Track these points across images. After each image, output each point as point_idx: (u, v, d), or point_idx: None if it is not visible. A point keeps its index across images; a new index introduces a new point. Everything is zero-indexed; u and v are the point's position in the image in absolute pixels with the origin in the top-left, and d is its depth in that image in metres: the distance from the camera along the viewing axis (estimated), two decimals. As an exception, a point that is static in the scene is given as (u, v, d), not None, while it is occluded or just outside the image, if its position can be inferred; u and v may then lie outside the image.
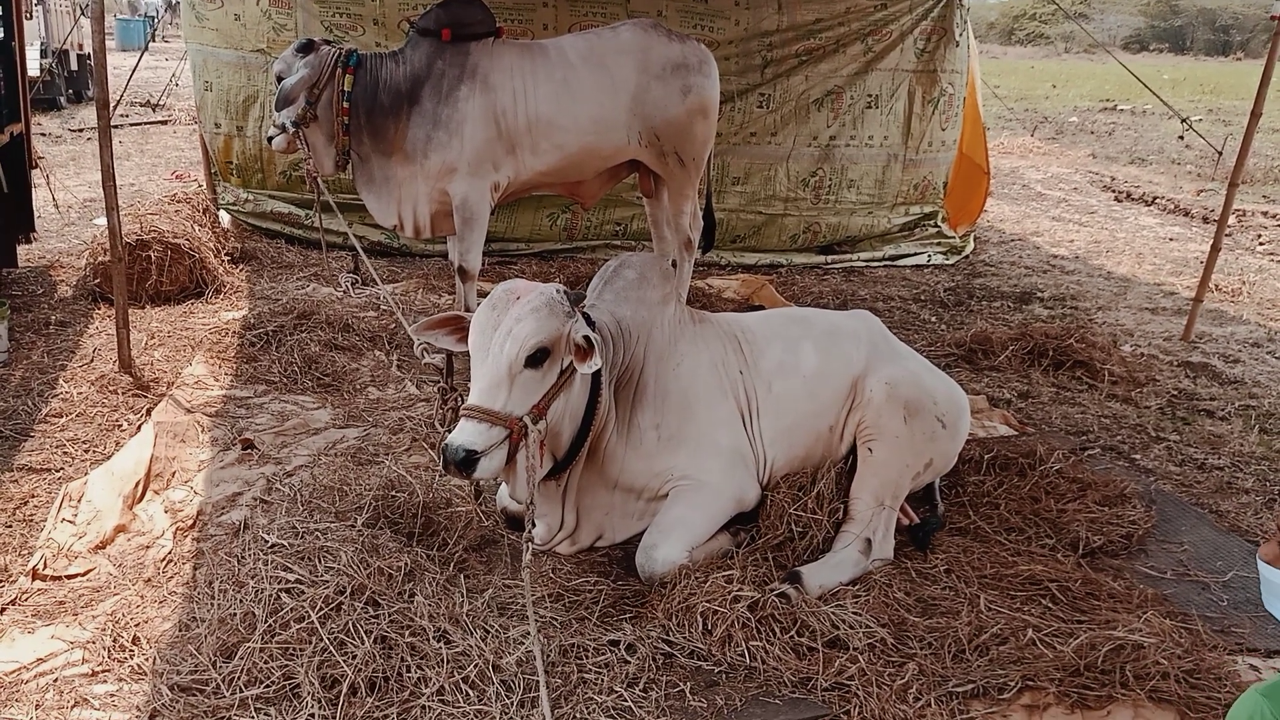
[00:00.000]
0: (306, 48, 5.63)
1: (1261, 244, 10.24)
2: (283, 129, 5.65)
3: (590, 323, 3.52)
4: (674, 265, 6.80)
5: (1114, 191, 13.12)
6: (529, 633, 3.07)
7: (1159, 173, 14.50)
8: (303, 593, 3.02)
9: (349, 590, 3.04)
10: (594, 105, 6.04)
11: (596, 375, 3.54)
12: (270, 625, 2.91)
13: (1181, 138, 14.96)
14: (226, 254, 7.49)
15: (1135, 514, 4.12)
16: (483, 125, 5.80)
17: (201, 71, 8.29)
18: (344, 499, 3.73)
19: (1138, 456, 4.96)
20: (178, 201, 7.57)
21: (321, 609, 2.96)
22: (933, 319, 7.27)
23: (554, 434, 3.42)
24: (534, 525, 3.73)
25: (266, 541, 3.28)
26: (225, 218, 8.35)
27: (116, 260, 5.40)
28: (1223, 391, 6.02)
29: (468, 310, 6.09)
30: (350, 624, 2.94)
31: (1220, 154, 13.77)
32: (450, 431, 3.20)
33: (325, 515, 3.59)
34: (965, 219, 10.25)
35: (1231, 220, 11.26)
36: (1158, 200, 12.38)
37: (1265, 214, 11.32)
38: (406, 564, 3.28)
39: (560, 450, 3.52)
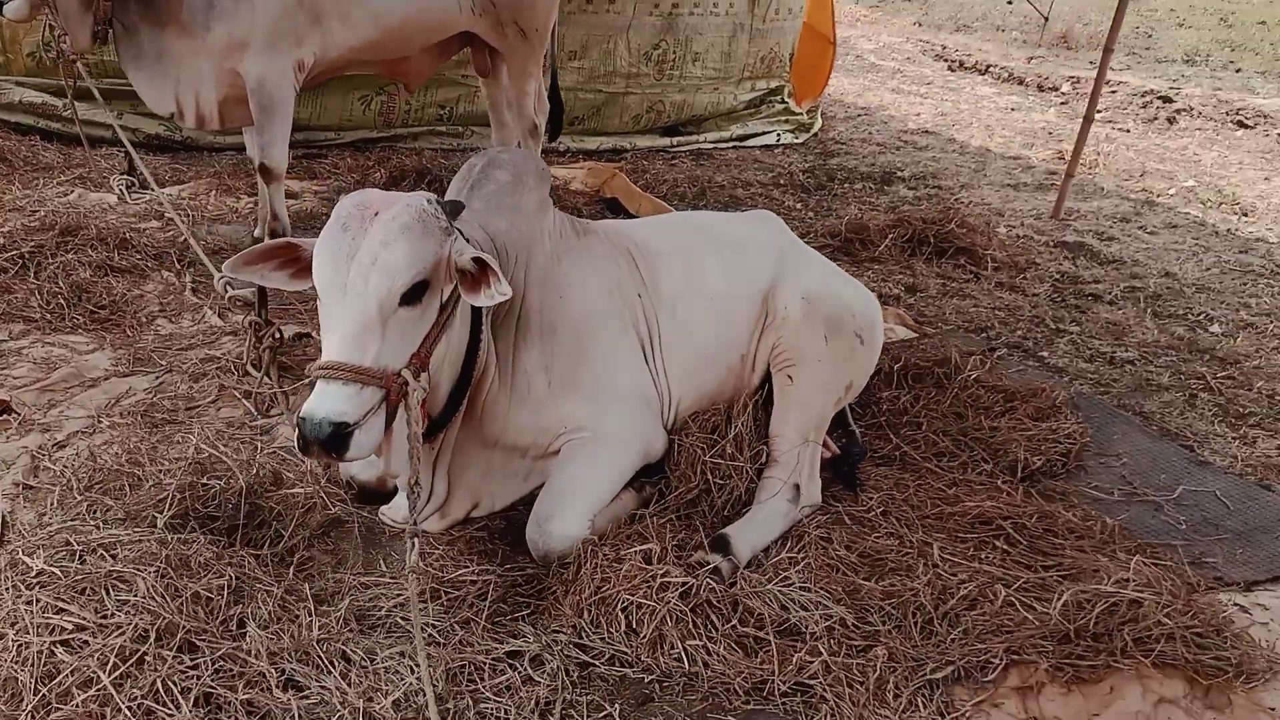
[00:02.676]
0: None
1: (1100, 112, 10.12)
2: (20, -8, 4.45)
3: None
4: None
5: (947, 61, 12.84)
6: (405, 655, 2.36)
7: (985, 40, 14.31)
8: (87, 644, 2.18)
9: (154, 633, 2.23)
10: (415, -35, 5.05)
11: (476, 310, 2.78)
12: (43, 698, 2.08)
13: (1010, 2, 14.78)
14: (-34, 156, 6.12)
15: (1069, 427, 3.71)
16: (278, -12, 4.73)
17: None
18: (137, 489, 2.85)
19: (1045, 354, 4.58)
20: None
21: (116, 666, 2.14)
22: (798, 205, 6.72)
23: (432, 386, 2.64)
24: (417, 508, 2.99)
25: (30, 569, 2.39)
26: (-39, 110, 6.87)
27: None
28: (1105, 273, 5.73)
29: (274, 218, 5.12)
30: (159, 682, 2.14)
31: (1047, 20, 13.69)
32: (303, 399, 2.41)
33: (112, 515, 2.72)
34: (810, 93, 9.70)
35: (1066, 88, 11.17)
36: (991, 69, 12.17)
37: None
38: (230, 579, 2.47)
39: (437, 406, 2.77)
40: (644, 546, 2.78)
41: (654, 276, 3.36)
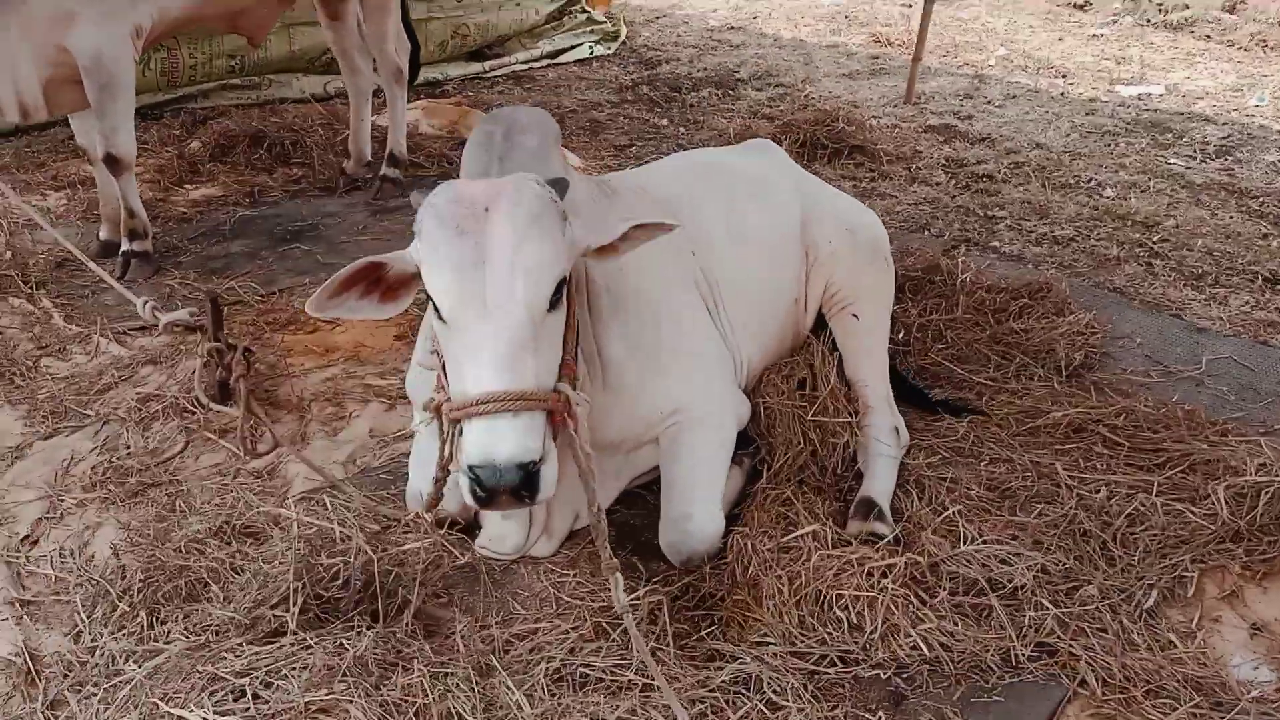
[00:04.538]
0: None
1: (874, -11, 10.36)
2: None
3: None
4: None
5: (705, -49, 12.70)
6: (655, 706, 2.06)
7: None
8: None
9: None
10: (255, -103, 4.31)
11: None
12: None
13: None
14: None
15: (1085, 318, 3.75)
16: (102, -59, 3.91)
17: None
18: (202, 585, 2.30)
19: (996, 244, 4.63)
20: None
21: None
22: (663, 122, 6.45)
23: None
24: (532, 536, 2.62)
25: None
26: None
27: None
28: (982, 152, 5.87)
29: (130, 215, 4.29)
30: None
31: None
32: (449, 440, 2.12)
33: (206, 625, 2.18)
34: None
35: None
36: (756, -46, 12.15)
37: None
38: (421, 674, 2.04)
39: None
40: (808, 529, 2.55)
41: (699, 229, 3.05)
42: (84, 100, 4.14)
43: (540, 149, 2.67)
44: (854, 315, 3.16)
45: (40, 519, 2.83)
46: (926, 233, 4.72)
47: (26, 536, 2.76)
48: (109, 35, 4.00)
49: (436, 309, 2.20)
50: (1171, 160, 5.65)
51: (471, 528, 2.69)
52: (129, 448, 3.14)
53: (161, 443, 3.18)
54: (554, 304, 2.18)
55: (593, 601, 2.50)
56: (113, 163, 4.20)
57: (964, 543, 2.57)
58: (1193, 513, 2.71)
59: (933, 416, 3.28)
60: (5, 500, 2.91)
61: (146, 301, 3.43)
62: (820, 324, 3.26)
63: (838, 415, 2.95)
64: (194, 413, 3.30)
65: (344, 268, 2.23)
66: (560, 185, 2.33)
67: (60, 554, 2.66)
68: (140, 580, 2.40)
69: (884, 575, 2.41)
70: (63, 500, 2.90)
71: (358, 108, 5.37)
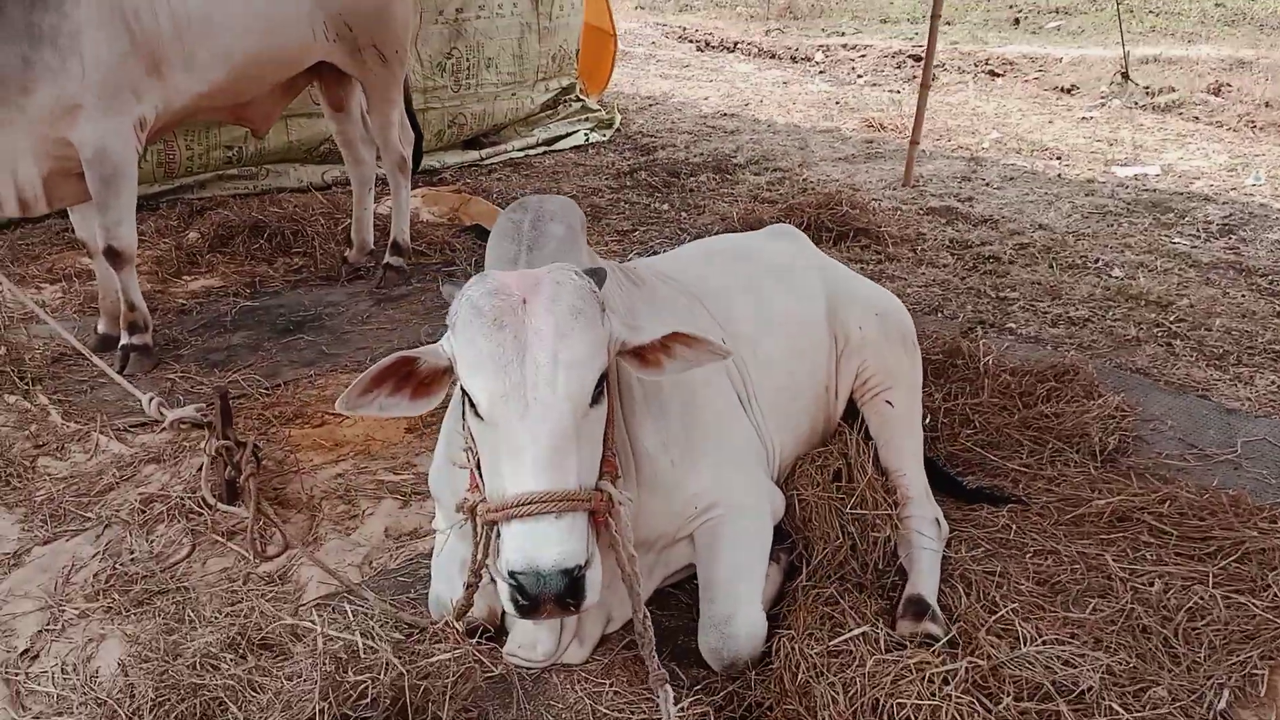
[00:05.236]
0: None
1: (860, 76, 10.53)
2: None
3: None
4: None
5: (692, 42, 12.93)
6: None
7: (712, 18, 14.59)
8: None
9: None
10: (262, -9, 4.31)
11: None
12: None
13: (732, -22, 15.10)
14: None
15: (1115, 400, 3.67)
16: (108, 35, 3.90)
17: None
18: (220, 703, 2.14)
19: (1012, 325, 4.57)
20: None
21: None
22: (664, 207, 6.43)
23: None
24: (563, 643, 2.49)
25: None
26: None
27: None
28: (986, 233, 5.85)
29: (131, 308, 4.16)
30: None
31: (771, -7, 14.10)
32: (483, 542, 2.05)
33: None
34: (595, 86, 9.44)
35: (820, 57, 11.52)
36: (739, 45, 12.36)
37: (845, 46, 11.68)
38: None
39: None
40: (858, 631, 2.42)
41: (727, 316, 2.97)
42: (84, 193, 4.07)
43: (568, 237, 2.60)
44: (887, 402, 3.07)
45: (40, 631, 2.68)
46: (940, 315, 4.66)
47: (26, 651, 2.60)
48: (113, 128, 3.95)
49: (472, 405, 2.10)
50: (1176, 240, 5.65)
51: (499, 633, 2.55)
52: (133, 552, 3.00)
53: (167, 546, 3.04)
54: (595, 399, 2.09)
55: (633, 714, 2.35)
56: (114, 256, 4.12)
57: (1024, 643, 2.43)
58: (1255, 605, 2.59)
59: (969, 505, 3.17)
60: (3, 612, 2.75)
61: (152, 397, 3.30)
62: (850, 411, 3.16)
63: (877, 508, 2.84)
64: (200, 514, 3.16)
65: (374, 364, 2.13)
66: (598, 275, 2.26)
67: (63, 670, 2.50)
68: (151, 700, 2.24)
69: (945, 681, 2.27)
70: (64, 610, 2.75)
71: (360, 197, 5.32)
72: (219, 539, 3.06)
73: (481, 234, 5.84)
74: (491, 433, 2.06)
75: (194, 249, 5.49)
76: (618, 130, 8.67)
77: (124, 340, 4.22)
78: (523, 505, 1.96)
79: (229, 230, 5.60)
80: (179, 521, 3.13)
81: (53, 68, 3.76)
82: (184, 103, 4.23)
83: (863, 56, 11.14)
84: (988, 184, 6.75)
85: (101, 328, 4.44)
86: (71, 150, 3.93)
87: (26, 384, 4.03)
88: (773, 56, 11.77)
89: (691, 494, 2.63)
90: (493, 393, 2.02)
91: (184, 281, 5.20)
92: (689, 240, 5.72)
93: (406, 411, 2.18)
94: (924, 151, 7.51)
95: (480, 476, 2.17)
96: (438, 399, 2.23)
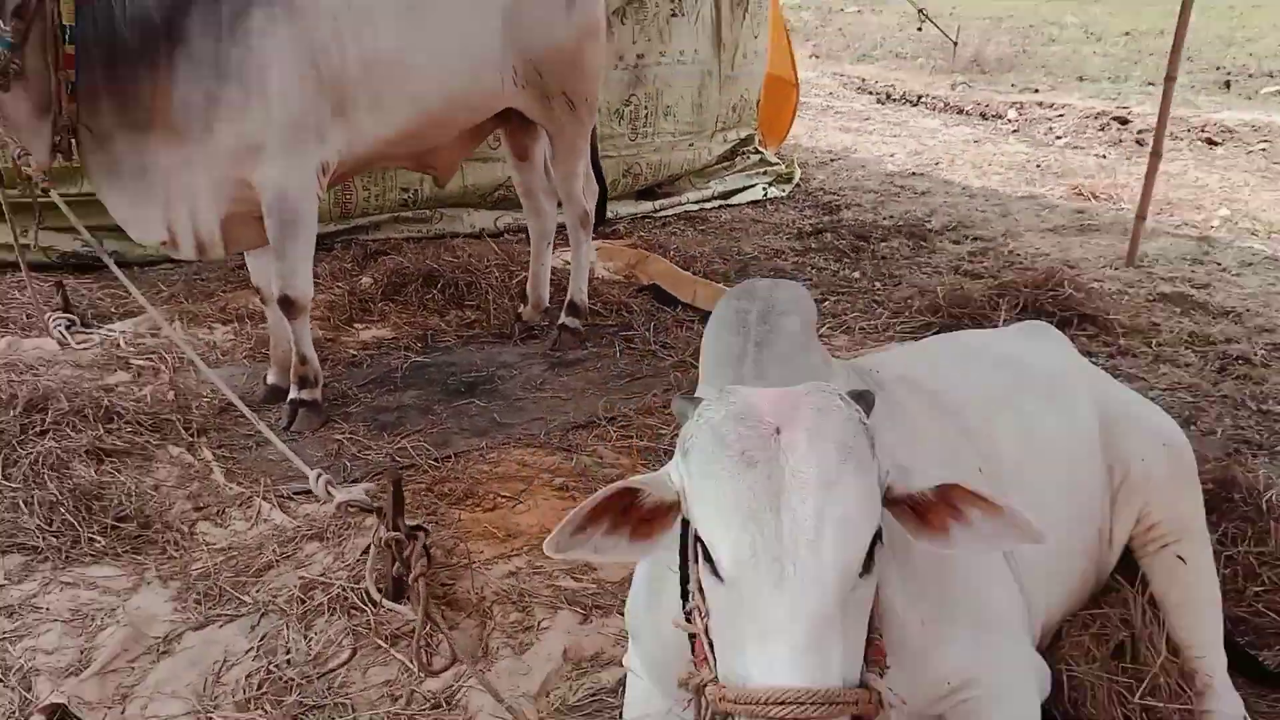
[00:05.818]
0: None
1: (1059, 137, 9.83)
2: (-45, 96, 3.27)
3: None
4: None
5: (872, 94, 12.43)
6: None
7: (891, 69, 14.05)
8: None
9: None
10: (457, 32, 4.07)
11: None
12: None
13: (920, 29, 14.48)
14: None
15: None
16: (296, 72, 3.69)
17: None
18: None
19: (1283, 446, 3.91)
20: None
21: None
22: (856, 274, 5.94)
23: None
24: None
25: None
26: None
27: None
28: (1229, 327, 5.15)
29: (302, 361, 3.90)
30: None
31: (956, 44, 13.48)
32: None
33: None
34: (774, 138, 9.04)
35: (1012, 114, 10.85)
36: (923, 99, 11.80)
37: (1040, 104, 10.99)
38: None
39: None
40: None
41: (989, 440, 2.47)
42: (261, 238, 3.88)
43: (803, 334, 2.14)
44: (1179, 557, 2.51)
45: (181, 747, 2.37)
46: (1193, 428, 4.03)
47: (168, 770, 2.30)
48: (295, 171, 3.74)
49: (708, 557, 1.66)
50: None
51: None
52: (289, 652, 2.69)
53: (326, 647, 2.72)
54: (867, 565, 1.62)
55: None
56: (288, 305, 3.90)
57: None
58: None
59: (1267, 689, 2.57)
60: (148, 712, 2.46)
61: (320, 474, 3.02)
62: (1124, 562, 2.61)
63: (1172, 697, 2.29)
64: (363, 610, 2.83)
65: (590, 498, 1.70)
66: (865, 400, 1.79)
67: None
68: None
69: None
70: (212, 718, 2.44)
71: (539, 251, 5.03)
72: (382, 644, 2.71)
73: (660, 295, 5.48)
74: (732, 599, 1.61)
75: (367, 295, 5.29)
76: (797, 185, 8.23)
77: (293, 394, 3.99)
78: (772, 704, 1.51)
79: (403, 277, 5.39)
80: (340, 618, 2.81)
81: (237, 105, 3.58)
82: (368, 148, 4.00)
83: (1060, 116, 10.43)
84: (1224, 269, 6.03)
85: (271, 378, 4.23)
86: (251, 193, 3.74)
87: (192, 435, 3.83)
88: (960, 112, 11.15)
89: (945, 665, 2.13)
90: (738, 550, 1.57)
91: (355, 330, 4.99)
92: (885, 315, 5.25)
93: (624, 557, 1.77)
94: (1146, 227, 6.82)
95: (711, 649, 1.73)
96: (662, 543, 1.80)
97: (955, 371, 2.65)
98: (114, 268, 3.65)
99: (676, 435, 3.74)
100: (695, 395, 1.77)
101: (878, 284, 5.77)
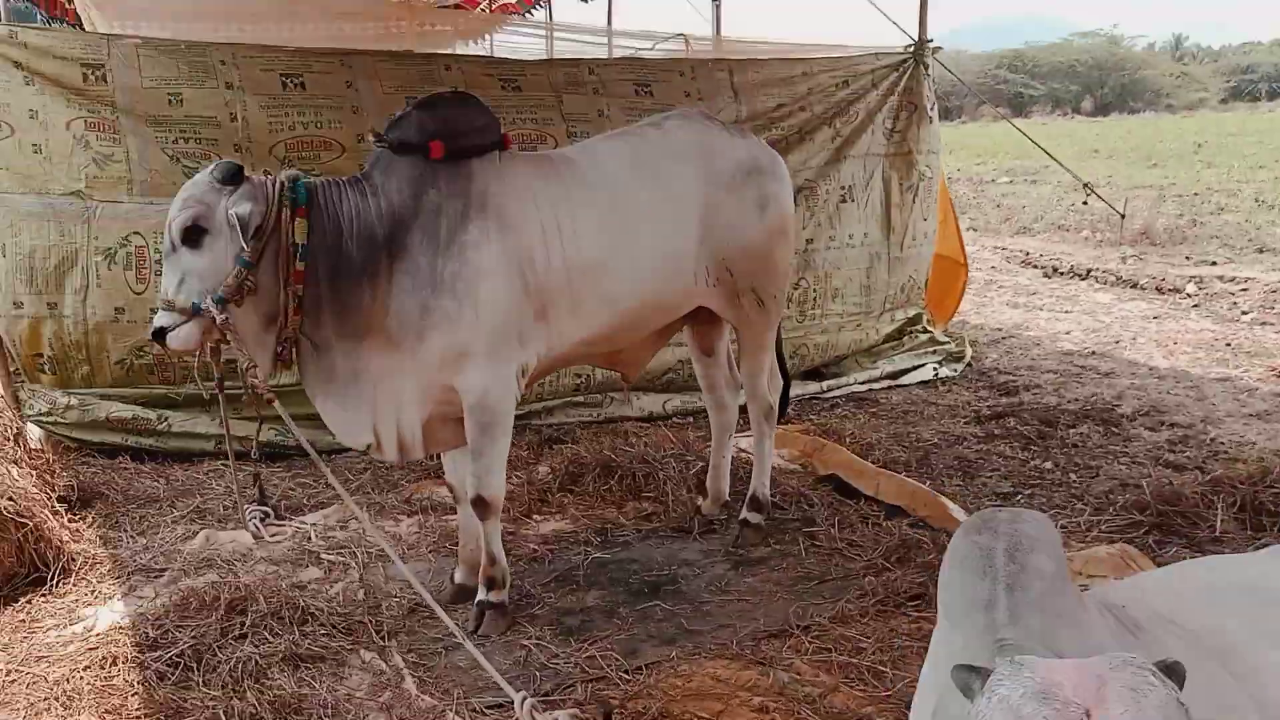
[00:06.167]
0: (234, 174, 3.50)
1: (1245, 313, 9.37)
2: (194, 312, 3.47)
3: None
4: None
5: (1038, 267, 12.20)
6: None
7: (1053, 242, 13.82)
8: None
9: None
10: (656, 236, 4.15)
11: None
12: None
13: (1085, 202, 14.27)
14: (58, 497, 4.94)
15: None
16: (505, 281, 3.80)
17: (-14, 229, 5.74)
18: None
19: None
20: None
21: None
22: (1047, 465, 5.66)
23: None
24: None
25: None
26: (34, 433, 5.73)
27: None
28: None
29: (491, 562, 3.87)
30: None
31: (1124, 217, 13.18)
32: None
33: None
34: (942, 316, 8.90)
35: (1191, 289, 10.45)
36: (1092, 273, 11.50)
37: (1220, 278, 10.56)
38: None
39: None
40: None
41: (1256, 683, 2.21)
42: (459, 438, 3.95)
43: (1057, 575, 1.98)
44: None
45: None
46: None
47: None
48: (497, 375, 3.82)
49: None
50: None
51: None
52: None
53: None
54: None
55: None
56: (481, 505, 3.92)
57: None
58: None
59: None
60: None
61: (525, 698, 2.94)
62: None
63: None
64: None
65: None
66: (1177, 674, 1.61)
67: None
68: None
69: None
70: None
71: (720, 444, 4.98)
72: None
73: (840, 487, 5.33)
74: None
75: (545, 485, 5.32)
76: (969, 365, 8.02)
77: (480, 596, 3.96)
78: None
79: (580, 467, 5.39)
80: None
81: (450, 315, 3.70)
82: (565, 349, 4.08)
83: (1244, 290, 9.97)
84: None
85: (459, 577, 4.23)
86: (454, 396, 3.83)
87: (383, 638, 3.83)
88: (1134, 286, 10.78)
89: None
90: None
91: (534, 522, 4.99)
92: (1087, 512, 4.95)
93: None
94: (1364, 413, 6.34)
95: None
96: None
97: (1214, 606, 2.42)
98: (322, 467, 3.73)
99: (878, 650, 3.53)
100: (976, 666, 1.62)
101: (1072, 475, 5.47)
